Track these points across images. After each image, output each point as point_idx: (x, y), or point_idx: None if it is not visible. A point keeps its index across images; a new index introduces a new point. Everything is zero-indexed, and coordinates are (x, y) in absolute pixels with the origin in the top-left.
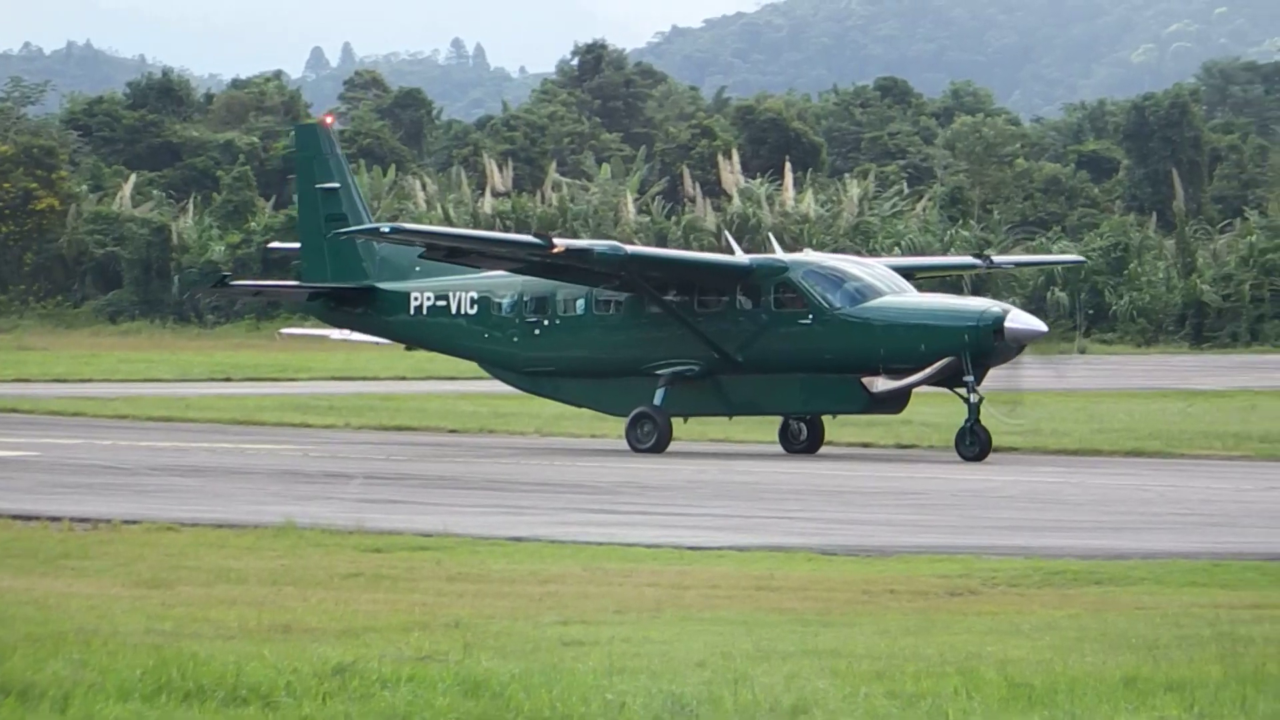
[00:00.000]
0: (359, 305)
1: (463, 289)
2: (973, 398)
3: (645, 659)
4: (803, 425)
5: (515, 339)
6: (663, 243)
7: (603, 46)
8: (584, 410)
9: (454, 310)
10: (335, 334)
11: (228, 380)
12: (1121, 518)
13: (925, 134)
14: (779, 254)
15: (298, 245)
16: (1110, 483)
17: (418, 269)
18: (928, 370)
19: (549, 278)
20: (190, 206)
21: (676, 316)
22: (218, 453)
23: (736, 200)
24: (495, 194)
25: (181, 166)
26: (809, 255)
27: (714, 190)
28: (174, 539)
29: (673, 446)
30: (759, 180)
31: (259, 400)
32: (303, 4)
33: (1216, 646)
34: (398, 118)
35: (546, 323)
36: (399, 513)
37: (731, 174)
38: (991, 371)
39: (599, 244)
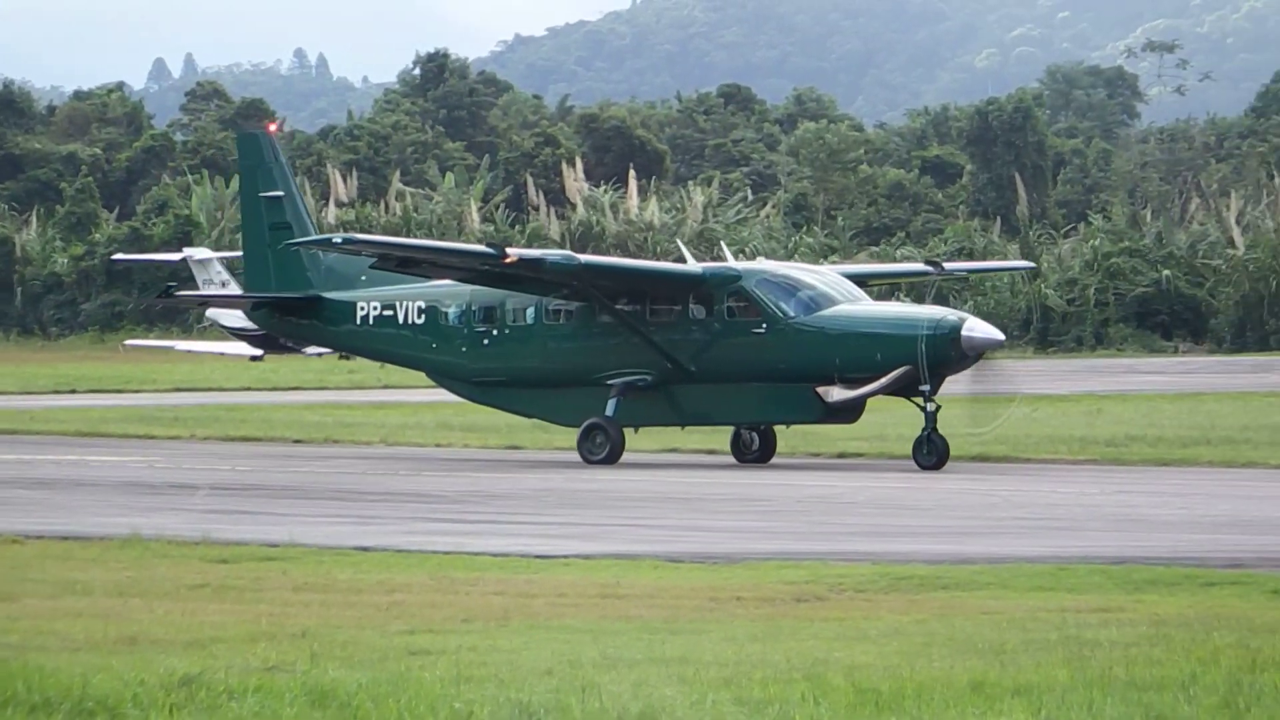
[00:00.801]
0: (304, 315)
1: (410, 298)
2: (929, 407)
3: (492, 667)
4: (754, 435)
5: (463, 349)
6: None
7: (445, 55)
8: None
9: (401, 320)
10: (180, 345)
11: (72, 392)
12: (968, 523)
13: (769, 141)
14: (731, 262)
15: (144, 257)
16: (956, 487)
17: (363, 278)
18: (884, 380)
19: (499, 287)
20: (33, 219)
21: (629, 326)
22: (62, 465)
23: (581, 208)
24: (339, 204)
25: (24, 179)
26: (762, 264)
27: (558, 199)
28: (19, 551)
29: (526, 456)
30: (603, 188)
31: (103, 412)
32: (145, 15)
33: (1063, 650)
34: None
35: (495, 332)
36: (245, 523)
37: (575, 182)
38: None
39: (551, 254)
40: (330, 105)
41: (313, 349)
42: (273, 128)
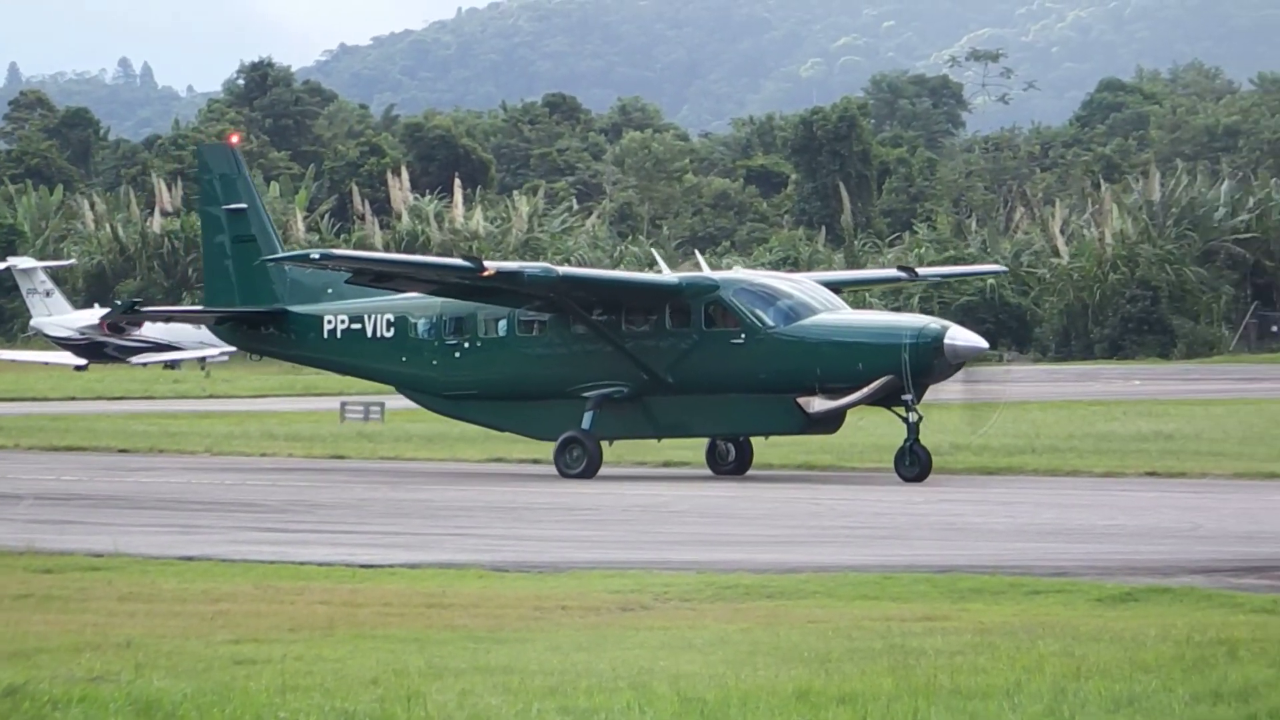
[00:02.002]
0: (270, 329)
1: (378, 311)
2: (911, 417)
3: (318, 677)
4: (730, 446)
5: (434, 362)
6: None
7: (269, 65)
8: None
9: (369, 333)
10: (3, 354)
11: None
12: (793, 531)
13: (594, 150)
14: (707, 272)
15: None
16: (782, 496)
17: (330, 290)
18: (866, 390)
19: (473, 300)
20: None
21: (604, 337)
22: None
23: (406, 218)
24: (164, 213)
25: None
26: (740, 273)
27: (383, 208)
28: None
29: (351, 465)
30: (428, 198)
31: None
32: None
33: (888, 659)
34: (65, 137)
35: (467, 345)
36: (70, 533)
37: (401, 191)
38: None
39: (530, 266)
40: (155, 114)
41: (139, 359)
42: (235, 140)
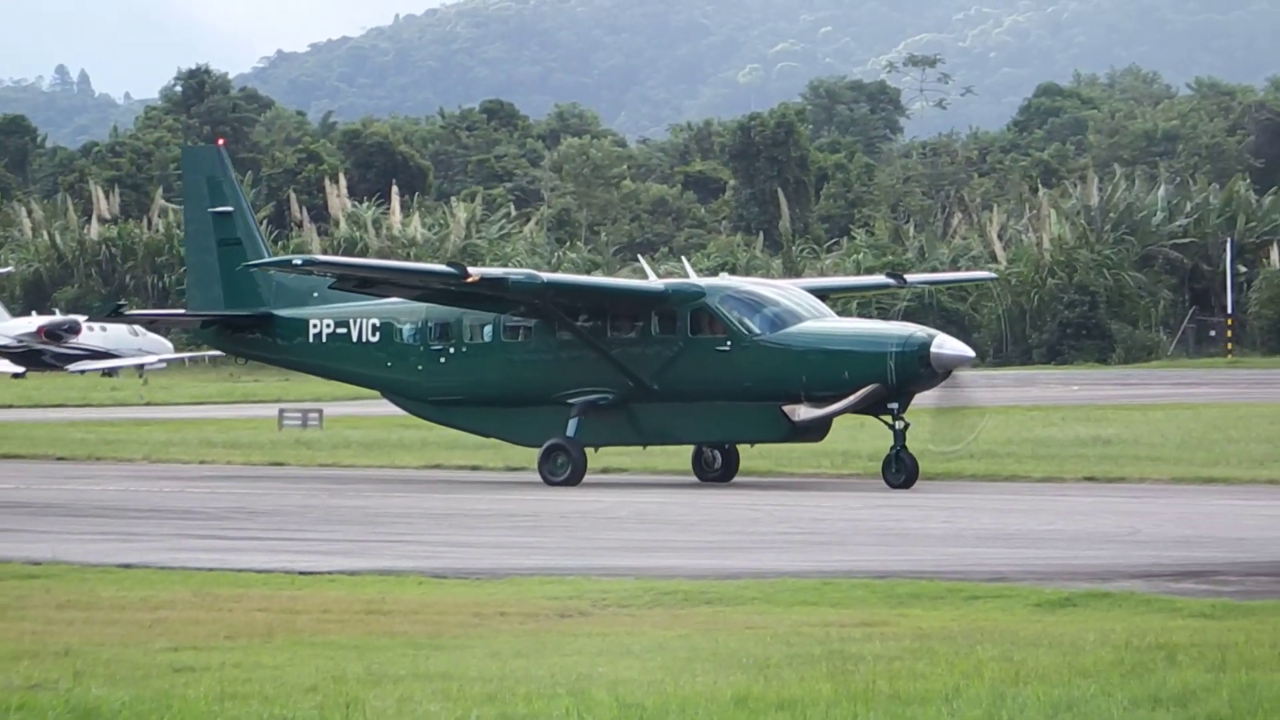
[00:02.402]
0: (255, 333)
1: (364, 316)
2: (898, 425)
3: (257, 684)
4: (717, 453)
5: (419, 367)
6: None
7: (207, 72)
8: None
9: (355, 338)
10: None
11: None
12: (731, 537)
13: (532, 156)
14: (693, 278)
15: None
16: (720, 502)
17: (316, 294)
18: (852, 398)
19: (459, 306)
20: None
21: (589, 344)
22: None
23: (344, 225)
24: (102, 220)
25: None
26: (726, 279)
27: (321, 215)
28: None
29: (287, 471)
30: (366, 204)
31: None
32: None
33: (827, 665)
34: (2, 145)
35: (453, 350)
36: (7, 540)
37: (339, 198)
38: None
39: (514, 272)
40: (92, 122)
41: (77, 367)
42: (221, 142)
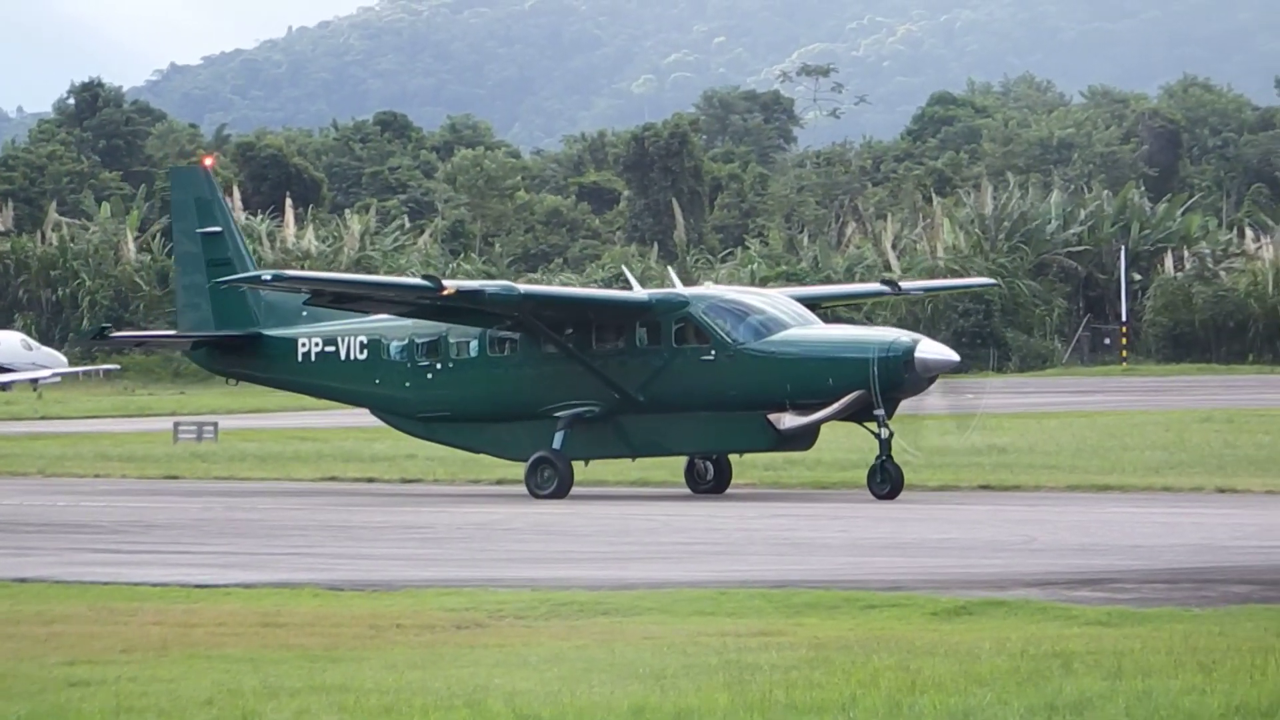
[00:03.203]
0: (245, 353)
1: (351, 334)
2: (883, 433)
3: (153, 698)
4: (709, 465)
5: (407, 384)
6: (164, 280)
7: (99, 85)
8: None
9: (343, 356)
10: None
11: None
12: (628, 548)
13: (426, 168)
14: (679, 288)
15: None
16: (617, 512)
17: (304, 314)
18: (836, 405)
19: (439, 320)
20: None
21: (573, 356)
22: None
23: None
24: None
25: None
26: (710, 289)
27: None
28: None
29: (182, 485)
30: (260, 217)
31: None
32: None
33: (724, 674)
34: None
35: (440, 366)
36: None
37: (233, 211)
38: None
39: (490, 285)
40: None
41: None
42: (208, 162)
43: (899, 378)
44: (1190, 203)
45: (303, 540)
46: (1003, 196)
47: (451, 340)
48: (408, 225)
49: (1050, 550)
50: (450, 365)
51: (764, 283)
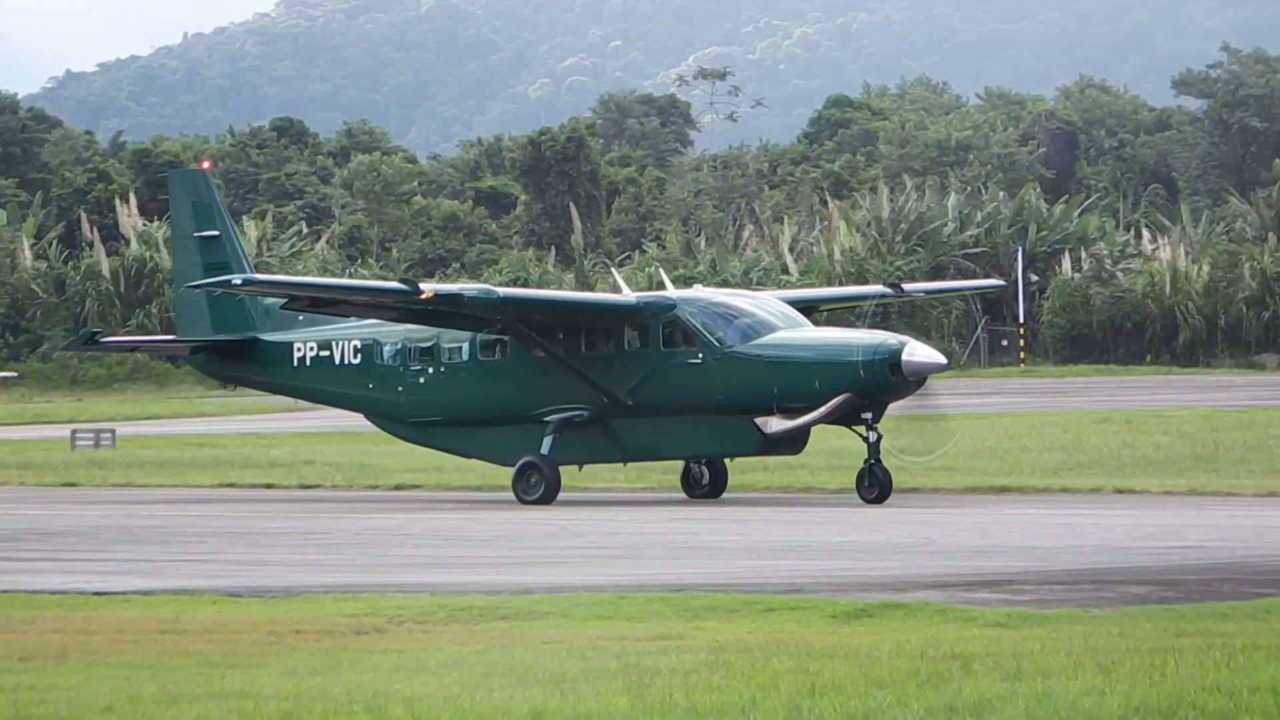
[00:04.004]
0: (241, 358)
1: (345, 338)
2: (871, 436)
3: (52, 705)
4: (704, 469)
5: (399, 388)
6: (61, 287)
7: None
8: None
9: (337, 360)
10: None
11: None
12: (527, 553)
13: (323, 174)
14: (669, 291)
15: None
16: (515, 517)
17: (301, 318)
18: (823, 409)
19: (428, 325)
20: None
21: (559, 359)
22: None
23: (135, 244)
24: None
25: None
26: (698, 291)
27: (113, 234)
28: None
29: (82, 494)
30: (157, 223)
31: None
32: None
33: (623, 679)
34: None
35: (431, 370)
36: None
37: (129, 218)
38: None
39: (470, 288)
40: None
41: None
42: (206, 166)
43: (886, 381)
44: (1087, 204)
45: (201, 547)
46: (899, 199)
47: (444, 344)
48: (305, 231)
49: (949, 552)
50: (442, 369)
51: (661, 287)
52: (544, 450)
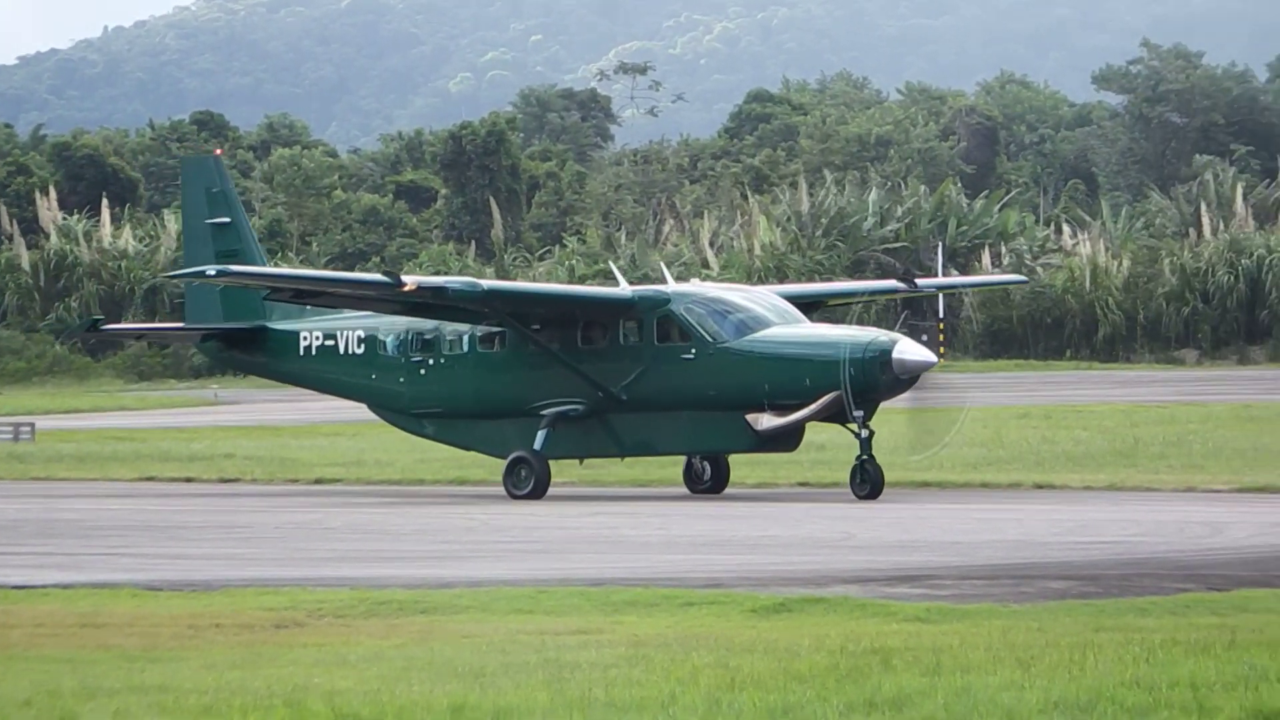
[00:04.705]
0: (251, 346)
1: (350, 328)
2: (863, 433)
3: None
4: (706, 465)
5: (401, 379)
6: None
7: None
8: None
9: (342, 350)
10: None
11: None
12: (447, 547)
13: (243, 167)
14: (671, 284)
15: None
16: (435, 512)
17: (309, 306)
18: (813, 406)
19: (424, 317)
20: None
21: (551, 354)
22: None
23: (54, 238)
24: None
25: None
26: (694, 285)
27: (32, 227)
28: None
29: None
30: (76, 217)
31: None
32: None
33: (543, 672)
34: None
35: (432, 362)
36: None
37: (49, 211)
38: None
39: (454, 280)
40: None
41: None
42: (219, 153)
43: (875, 379)
44: (1007, 199)
45: (121, 540)
46: (820, 194)
47: (445, 336)
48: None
49: (869, 547)
50: (442, 361)
51: (582, 280)
52: (537, 444)
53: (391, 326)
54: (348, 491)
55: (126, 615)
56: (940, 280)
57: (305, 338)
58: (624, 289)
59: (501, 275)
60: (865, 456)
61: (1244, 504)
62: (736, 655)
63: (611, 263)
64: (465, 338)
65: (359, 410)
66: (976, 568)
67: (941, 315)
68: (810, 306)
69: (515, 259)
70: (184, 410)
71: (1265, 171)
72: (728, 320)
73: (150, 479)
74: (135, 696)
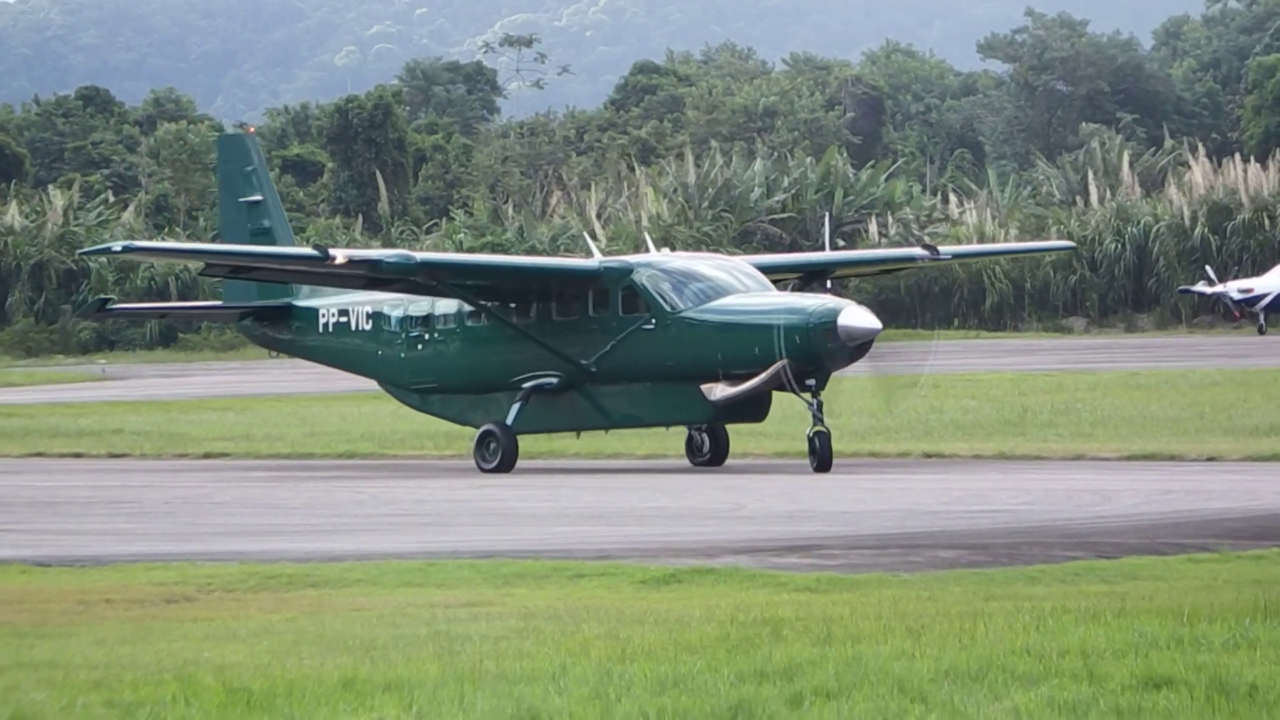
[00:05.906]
0: (279, 323)
1: (360, 303)
2: (814, 403)
3: None
4: (705, 437)
5: (402, 355)
6: None
7: None
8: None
9: (353, 326)
10: None
11: None
12: (336, 520)
13: (129, 143)
14: (652, 254)
15: None
16: (323, 486)
17: (253, 281)
18: (763, 375)
19: (349, 288)
20: None
21: (513, 327)
22: None
23: None
24: None
25: None
26: (658, 255)
27: None
28: None
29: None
30: None
31: None
32: None
33: (433, 645)
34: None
35: (427, 337)
36: None
37: None
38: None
39: (388, 253)
40: None
41: None
42: (251, 130)
43: (819, 346)
44: (894, 169)
45: (9, 517)
46: (706, 165)
47: (439, 310)
48: (111, 200)
49: (758, 518)
50: (435, 335)
51: (470, 253)
52: (509, 418)
53: (396, 301)
54: (237, 466)
55: (15, 592)
56: (964, 248)
57: (323, 314)
58: (593, 260)
59: (388, 247)
60: (815, 427)
61: (1132, 472)
62: (627, 626)
63: (586, 235)
64: (453, 312)
65: (245, 384)
66: (866, 537)
67: (829, 286)
68: (818, 275)
69: (403, 232)
70: (72, 385)
71: (1151, 139)
72: (687, 289)
73: (38, 455)
74: (25, 672)
